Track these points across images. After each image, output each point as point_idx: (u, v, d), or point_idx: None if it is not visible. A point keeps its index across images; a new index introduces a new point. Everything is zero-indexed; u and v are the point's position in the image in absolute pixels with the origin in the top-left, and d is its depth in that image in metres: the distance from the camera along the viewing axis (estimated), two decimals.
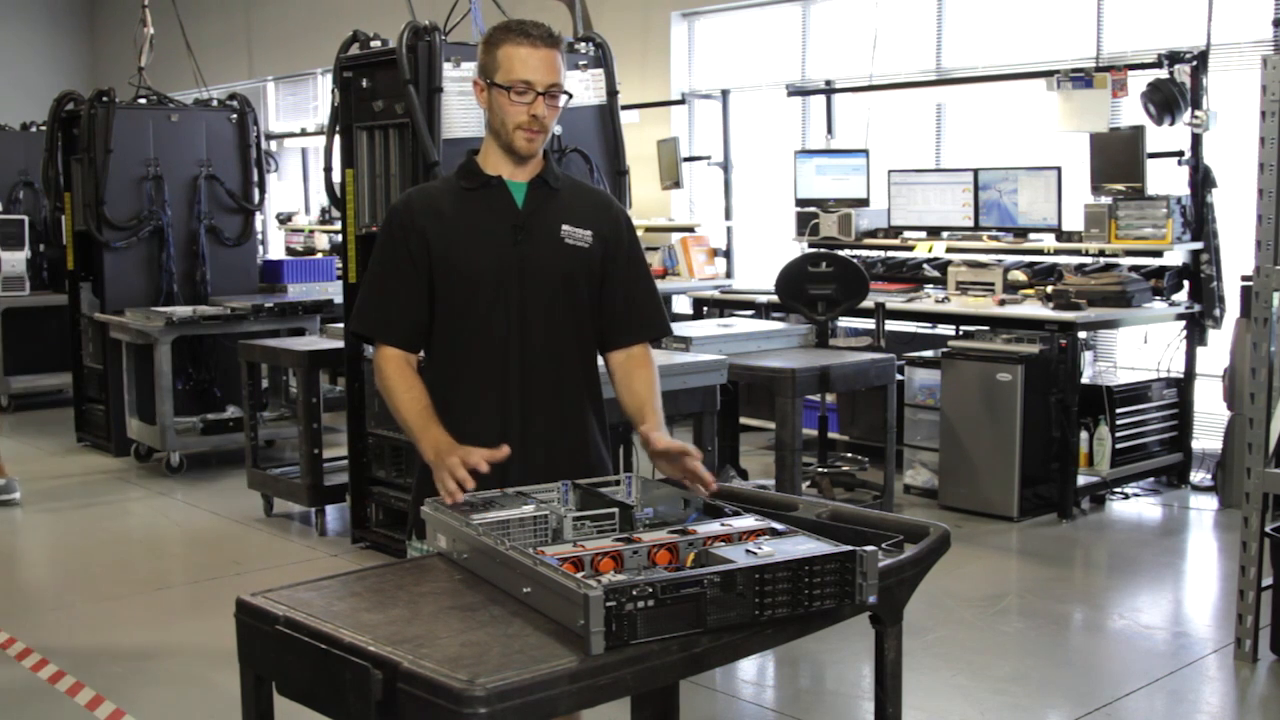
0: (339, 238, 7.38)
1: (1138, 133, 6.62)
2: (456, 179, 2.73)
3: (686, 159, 9.23)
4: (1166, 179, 6.68)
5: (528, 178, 2.69)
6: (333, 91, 5.74)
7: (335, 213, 6.51)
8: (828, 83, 8.61)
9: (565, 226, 2.68)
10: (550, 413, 2.67)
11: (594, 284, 2.71)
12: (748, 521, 2.22)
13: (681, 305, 8.95)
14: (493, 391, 2.63)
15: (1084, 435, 6.39)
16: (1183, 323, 6.74)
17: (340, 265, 6.97)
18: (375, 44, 5.57)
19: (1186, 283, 6.74)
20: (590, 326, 2.73)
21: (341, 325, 6.05)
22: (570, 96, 2.68)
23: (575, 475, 2.52)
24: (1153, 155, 6.62)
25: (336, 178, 5.80)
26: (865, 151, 8.02)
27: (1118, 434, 6.47)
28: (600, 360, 2.79)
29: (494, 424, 2.62)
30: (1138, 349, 7.04)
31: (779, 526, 2.18)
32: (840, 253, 6.90)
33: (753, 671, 4.43)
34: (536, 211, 2.68)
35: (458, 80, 5.25)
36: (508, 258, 2.64)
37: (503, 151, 2.66)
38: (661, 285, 8.71)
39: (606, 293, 2.73)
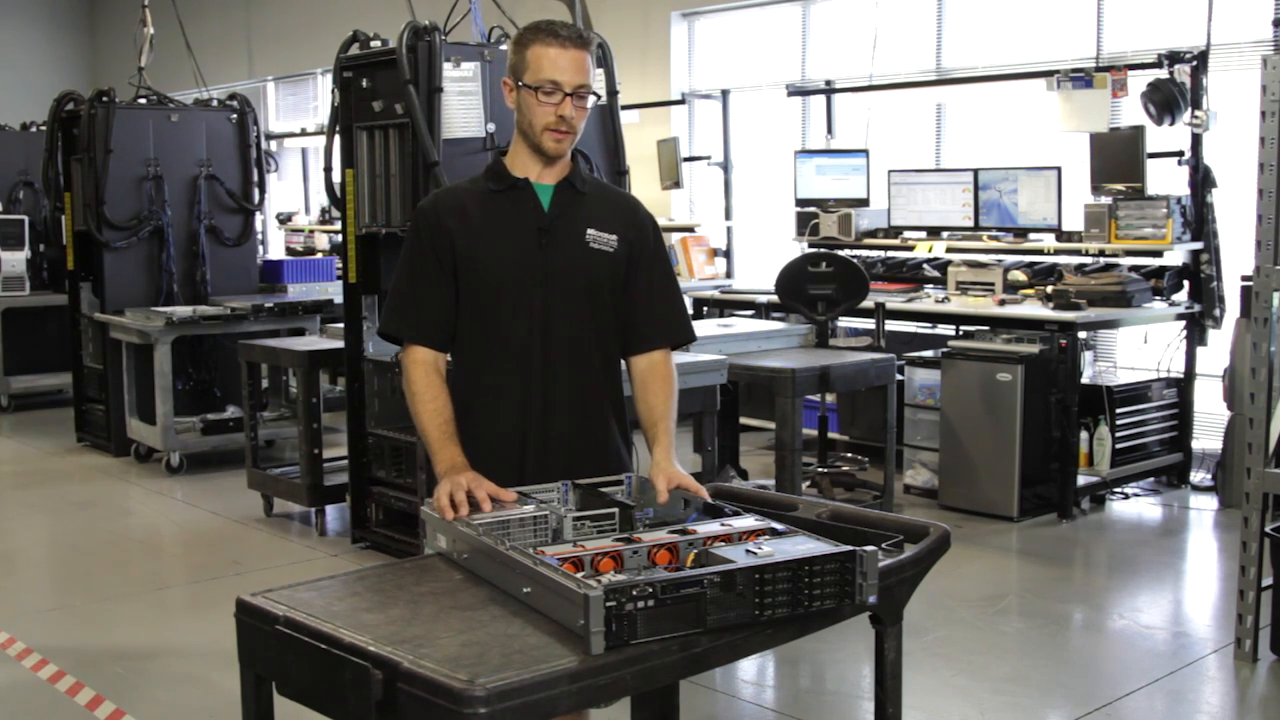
0: (339, 238, 7.39)
1: (1138, 133, 6.61)
2: (484, 180, 2.72)
3: (686, 159, 9.23)
4: (1166, 179, 6.68)
5: (555, 180, 2.69)
6: (333, 91, 5.73)
7: (335, 213, 6.51)
8: (828, 83, 8.61)
9: (591, 230, 2.68)
10: (571, 416, 2.67)
11: (618, 288, 2.71)
12: (748, 521, 2.22)
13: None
14: (515, 393, 2.63)
15: (1084, 435, 6.39)
16: (1183, 323, 6.74)
17: (340, 265, 6.97)
18: (375, 44, 5.56)
19: (1186, 283, 6.74)
20: (613, 330, 2.73)
21: (341, 325, 6.05)
22: (599, 97, 2.68)
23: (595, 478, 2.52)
24: (1153, 155, 6.62)
25: (336, 178, 5.79)
26: (865, 151, 8.02)
27: (1118, 434, 6.47)
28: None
29: (515, 426, 2.63)
30: (1138, 349, 7.04)
31: (779, 526, 2.19)
32: (840, 253, 6.90)
33: (753, 671, 4.43)
34: (562, 215, 2.67)
35: (458, 80, 5.25)
36: (532, 261, 2.64)
37: (531, 152, 2.66)
38: None
39: (630, 297, 2.73)
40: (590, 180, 2.77)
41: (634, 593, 1.82)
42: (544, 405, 2.63)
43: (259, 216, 8.88)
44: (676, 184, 9.03)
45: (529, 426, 2.63)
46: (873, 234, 7.82)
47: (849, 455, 7.20)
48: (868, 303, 6.53)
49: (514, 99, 2.64)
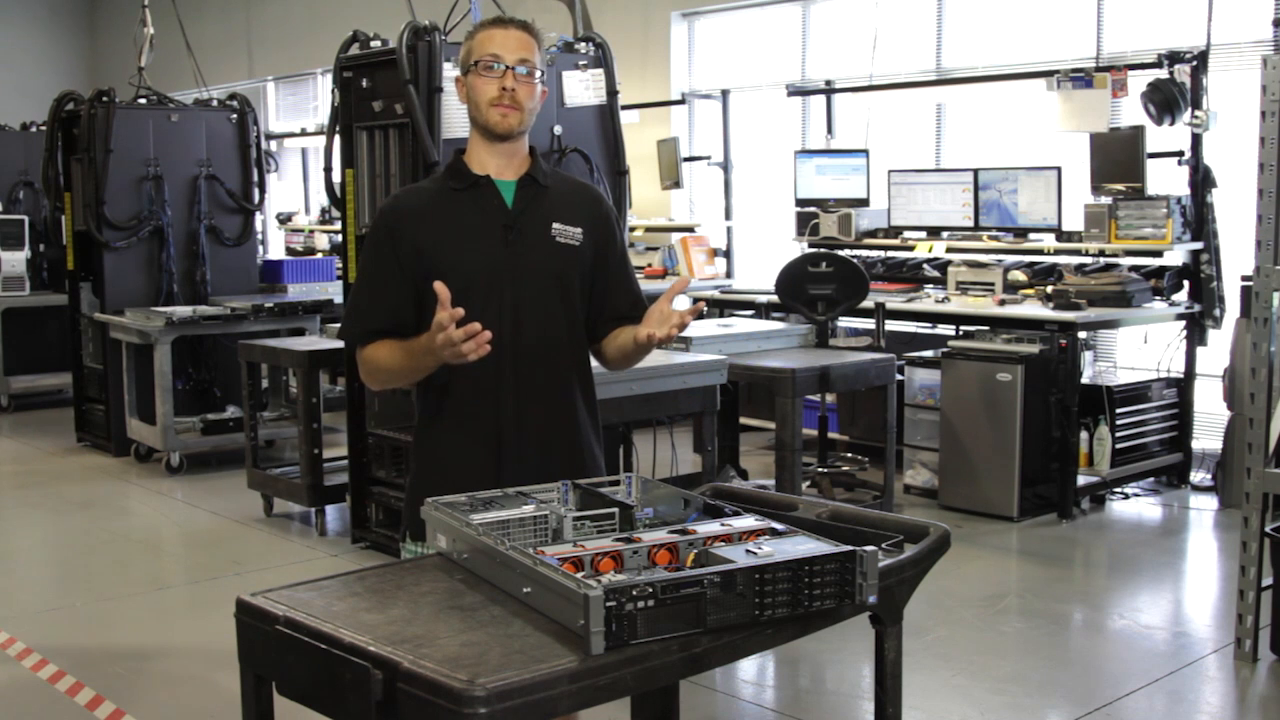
0: (339, 238, 7.39)
1: (1138, 133, 6.61)
2: (445, 179, 2.70)
3: (686, 159, 9.23)
4: (1166, 179, 6.68)
5: (515, 175, 2.67)
6: (333, 91, 5.74)
7: (335, 213, 6.51)
8: (828, 83, 8.61)
9: (556, 224, 2.67)
10: (544, 412, 2.65)
11: (585, 280, 2.71)
12: (748, 521, 2.21)
13: (682, 305, 8.93)
14: (486, 392, 2.61)
15: (1084, 435, 6.39)
16: (1183, 323, 6.74)
17: (340, 265, 6.98)
18: (375, 44, 5.57)
19: (1186, 283, 6.74)
20: (581, 323, 2.73)
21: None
22: (544, 77, 2.65)
23: (568, 475, 2.50)
24: (1153, 155, 6.62)
25: (336, 178, 5.80)
26: (865, 151, 8.02)
27: (1118, 434, 6.47)
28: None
29: (488, 424, 2.61)
30: (1138, 349, 7.04)
31: (779, 526, 2.18)
32: (840, 253, 6.90)
33: (753, 671, 4.43)
34: (527, 210, 2.66)
35: None
36: (499, 258, 2.62)
37: (483, 138, 2.64)
38: (661, 285, 8.76)
39: (599, 290, 2.73)
40: (552, 173, 2.75)
41: (634, 593, 1.82)
42: (516, 402, 2.62)
43: (259, 216, 8.89)
44: (676, 184, 9.03)
45: (503, 424, 2.61)
46: (873, 234, 7.82)
47: (849, 455, 7.20)
48: (868, 303, 6.53)
49: (464, 93, 2.64)
